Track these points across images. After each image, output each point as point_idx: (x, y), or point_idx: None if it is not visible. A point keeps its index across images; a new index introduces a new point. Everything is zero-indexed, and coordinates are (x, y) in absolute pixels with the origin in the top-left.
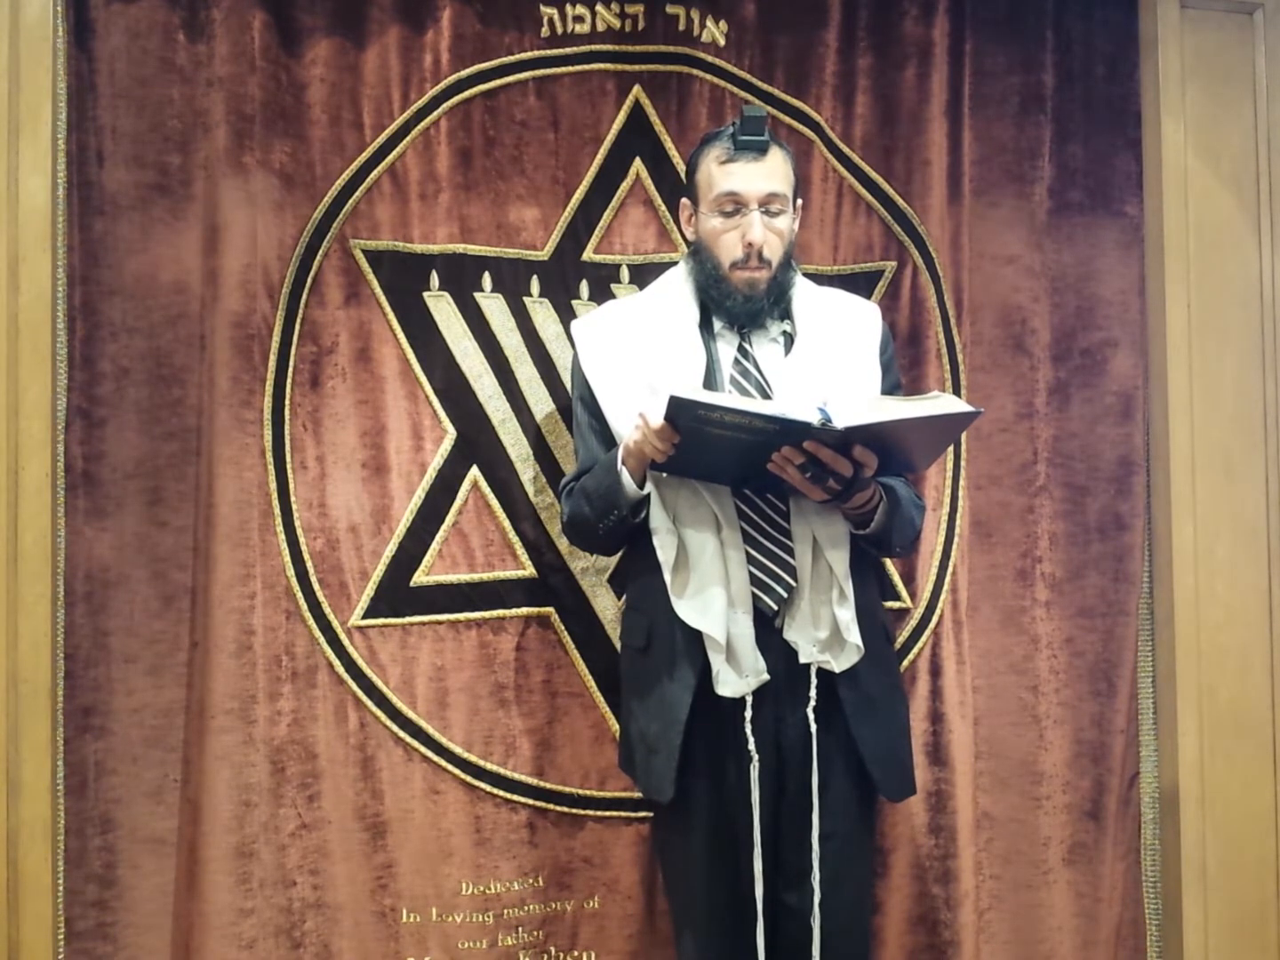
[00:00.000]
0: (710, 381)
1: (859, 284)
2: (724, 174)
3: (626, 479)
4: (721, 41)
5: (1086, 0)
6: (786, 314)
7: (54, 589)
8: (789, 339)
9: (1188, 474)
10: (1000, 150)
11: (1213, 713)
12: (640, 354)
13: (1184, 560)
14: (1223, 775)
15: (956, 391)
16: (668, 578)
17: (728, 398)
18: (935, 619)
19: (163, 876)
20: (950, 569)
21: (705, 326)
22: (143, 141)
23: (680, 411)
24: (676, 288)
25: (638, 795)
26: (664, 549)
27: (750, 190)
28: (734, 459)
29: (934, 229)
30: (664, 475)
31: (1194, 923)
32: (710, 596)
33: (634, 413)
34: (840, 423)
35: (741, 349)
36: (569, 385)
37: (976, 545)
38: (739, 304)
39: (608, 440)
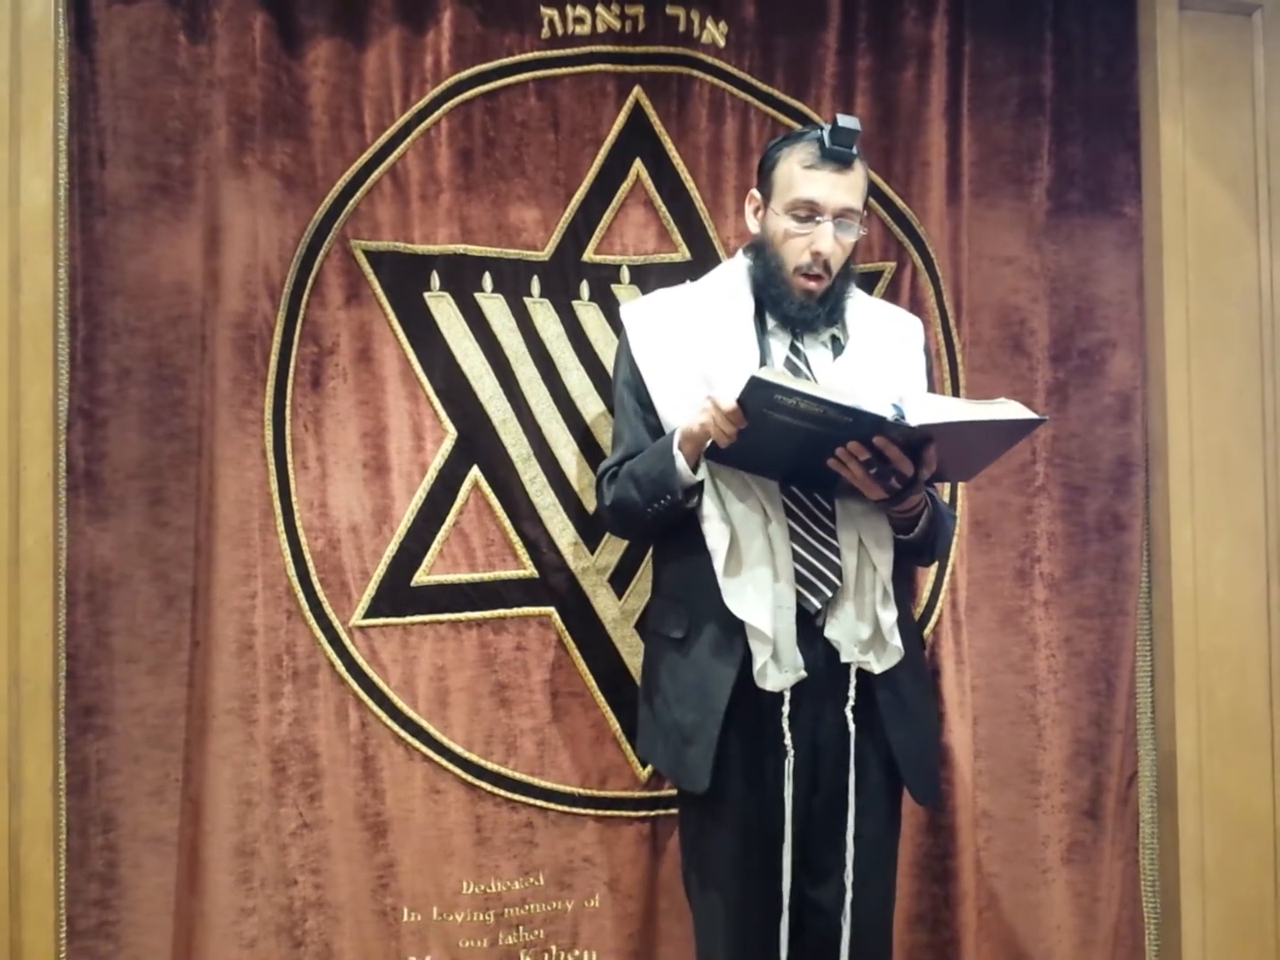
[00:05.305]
0: None
1: (858, 284)
2: (806, 179)
3: (681, 463)
4: (721, 43)
5: (1085, 1)
6: (838, 319)
7: (56, 589)
8: (837, 343)
9: (1187, 474)
10: (999, 151)
11: (1211, 712)
12: (694, 344)
13: (1182, 560)
14: (1221, 775)
15: (955, 392)
16: (719, 567)
17: (808, 384)
18: (934, 619)
19: (164, 875)
20: (949, 569)
21: (758, 322)
22: (144, 142)
23: (755, 394)
24: (733, 281)
25: (638, 794)
26: (717, 536)
27: (829, 201)
28: (792, 450)
29: (933, 230)
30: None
31: (1192, 922)
32: (759, 590)
33: (684, 401)
34: (914, 420)
35: (794, 347)
36: (610, 368)
37: (975, 545)
38: (794, 309)
39: (654, 426)
